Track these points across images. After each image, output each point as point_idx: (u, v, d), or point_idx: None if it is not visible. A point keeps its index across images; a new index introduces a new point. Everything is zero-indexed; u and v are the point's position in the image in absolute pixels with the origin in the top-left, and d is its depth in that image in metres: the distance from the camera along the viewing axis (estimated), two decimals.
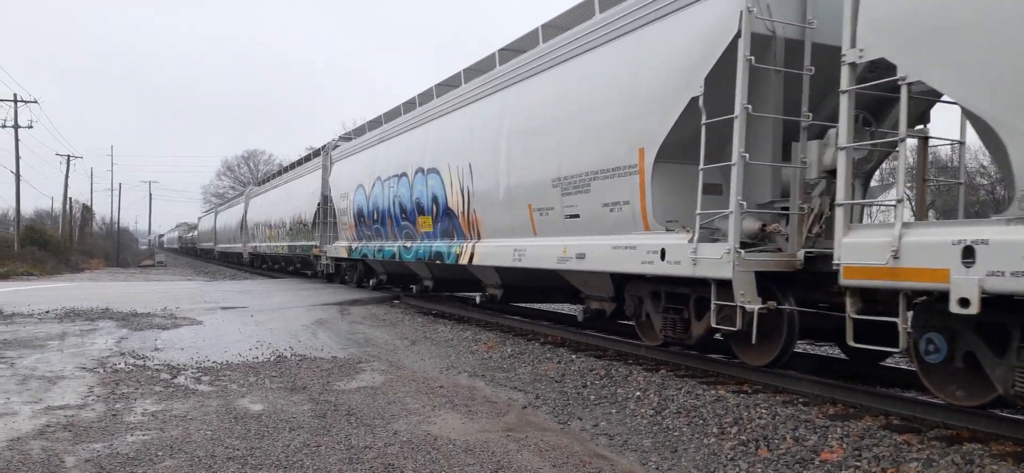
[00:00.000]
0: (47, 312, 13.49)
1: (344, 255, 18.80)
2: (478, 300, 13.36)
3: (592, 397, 7.00)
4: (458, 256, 11.91)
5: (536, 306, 14.05)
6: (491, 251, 11.04)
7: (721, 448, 5.31)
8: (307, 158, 25.97)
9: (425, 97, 13.91)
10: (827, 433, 5.32)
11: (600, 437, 5.75)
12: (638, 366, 8.07)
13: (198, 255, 67.99)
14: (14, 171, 40.58)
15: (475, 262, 11.43)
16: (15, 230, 41.18)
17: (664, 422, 6.06)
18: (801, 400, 6.28)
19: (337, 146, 20.59)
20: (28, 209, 61.48)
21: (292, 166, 28.73)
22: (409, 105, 14.69)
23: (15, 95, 41.39)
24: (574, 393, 7.20)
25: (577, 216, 8.85)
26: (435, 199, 12.76)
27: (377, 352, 9.57)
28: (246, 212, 36.76)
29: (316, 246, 22.11)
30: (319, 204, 21.75)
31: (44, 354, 8.93)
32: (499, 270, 11.36)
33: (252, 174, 77.07)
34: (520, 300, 12.94)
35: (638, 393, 6.92)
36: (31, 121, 44.26)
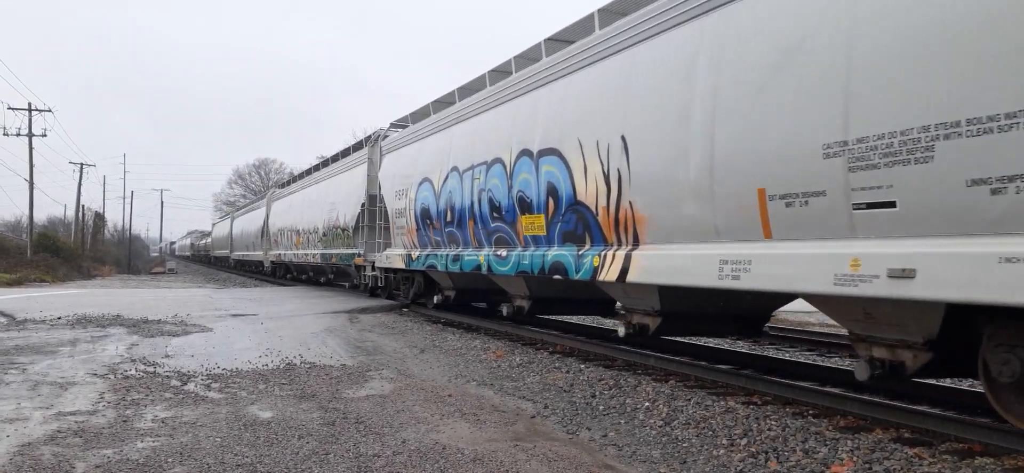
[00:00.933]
0: (59, 318, 13.58)
1: (399, 265, 15.11)
2: (504, 312, 11.76)
3: (601, 407, 6.99)
4: (596, 270, 8.24)
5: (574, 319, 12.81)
6: (666, 264, 7.30)
7: (730, 460, 5.28)
8: (345, 152, 22.20)
9: (527, 59, 10.66)
10: (838, 446, 5.28)
11: (609, 447, 5.73)
12: (647, 376, 8.04)
13: (212, 263, 65.49)
14: (28, 179, 40.94)
15: (632, 278, 7.66)
16: (28, 237, 41.49)
17: (673, 433, 6.03)
18: (811, 412, 6.24)
19: (387, 136, 17.09)
20: (41, 216, 62.03)
21: (325, 163, 24.91)
22: (499, 73, 11.52)
23: (29, 104, 41.86)
24: (583, 403, 7.18)
25: (889, 205, 5.09)
26: (552, 191, 9.21)
27: (386, 360, 9.58)
28: (268, 217, 33.61)
29: (359, 254, 18.92)
30: (363, 205, 18.75)
31: (55, 360, 8.99)
32: (672, 291, 7.77)
33: (263, 182, 77.46)
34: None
35: (647, 403, 6.90)
36: (45, 129, 44.68)
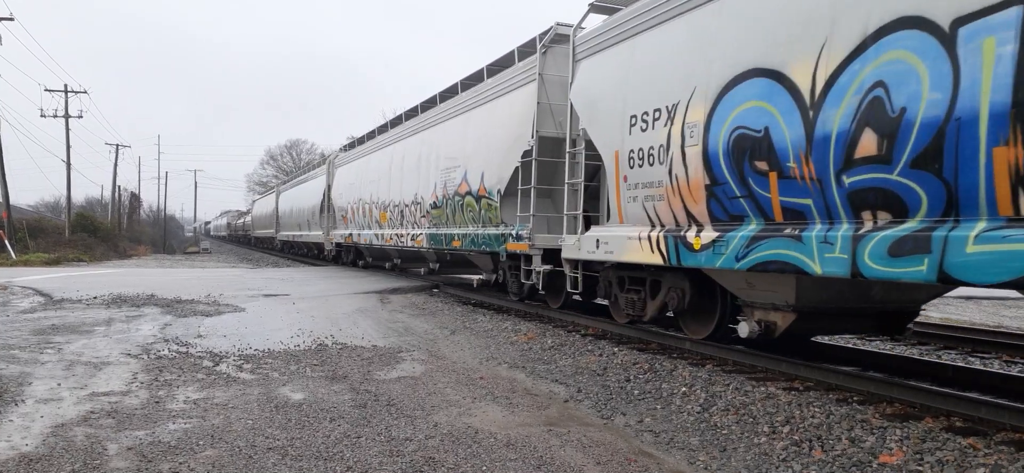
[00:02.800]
0: (95, 298, 13.74)
1: (638, 257, 8.30)
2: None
3: (636, 392, 6.83)
4: None
5: None
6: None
7: (772, 448, 5.11)
8: (477, 76, 13.94)
9: None
10: (885, 434, 5.07)
11: (645, 434, 5.58)
12: (683, 360, 7.86)
13: (252, 245, 58.75)
14: (65, 159, 41.64)
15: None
16: (66, 217, 42.28)
17: (712, 419, 5.86)
18: (856, 399, 6.02)
19: (582, 27, 9.98)
20: (78, 197, 63.24)
21: (431, 102, 16.57)
22: None
23: (65, 85, 42.50)
24: (617, 387, 7.03)
25: None
26: None
27: (417, 341, 9.51)
28: (330, 187, 26.72)
29: (512, 237, 11.65)
30: (526, 154, 11.31)
31: (90, 340, 9.05)
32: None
33: (295, 163, 78.05)
34: None
35: (684, 388, 6.73)
36: (81, 111, 45.58)
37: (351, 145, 25.10)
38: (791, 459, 4.86)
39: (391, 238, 18.68)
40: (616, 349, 8.65)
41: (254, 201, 61.71)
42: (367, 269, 23.89)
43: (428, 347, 9.11)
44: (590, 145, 9.44)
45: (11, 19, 30.51)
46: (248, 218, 61.77)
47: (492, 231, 12.47)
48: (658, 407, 6.32)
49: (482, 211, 12.89)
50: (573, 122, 9.99)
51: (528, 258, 11.41)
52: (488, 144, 12.81)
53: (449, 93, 15.42)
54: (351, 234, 23.19)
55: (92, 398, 6.10)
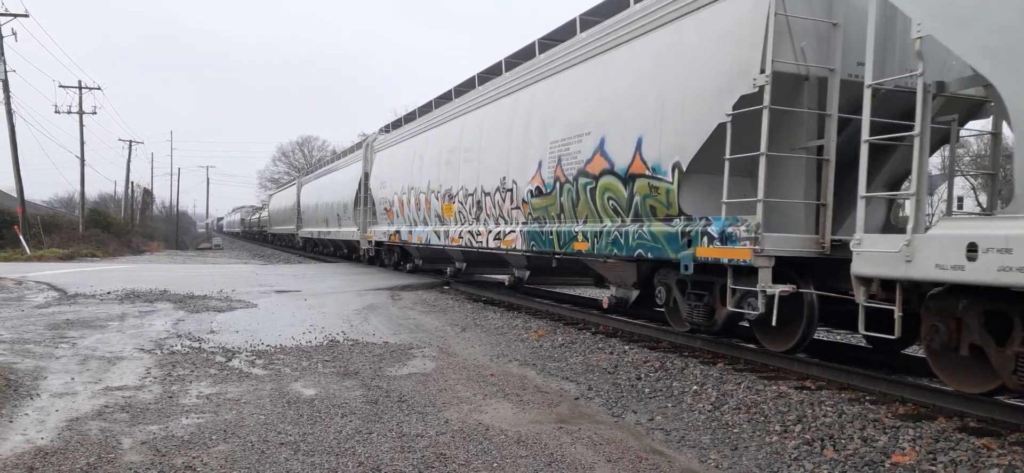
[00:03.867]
0: (108, 293, 13.84)
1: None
2: None
3: (647, 390, 6.82)
4: None
5: None
6: None
7: (784, 447, 5.09)
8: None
9: None
10: (898, 434, 5.05)
11: (656, 432, 5.58)
12: (694, 359, 7.85)
13: (269, 242, 54.44)
14: (79, 156, 41.96)
15: None
16: (80, 213, 42.59)
17: (723, 418, 5.85)
18: (868, 398, 5.99)
19: None
20: (92, 192, 63.82)
21: (525, 54, 12.34)
22: None
23: (79, 82, 42.87)
24: (628, 385, 7.03)
25: None
26: None
27: (428, 338, 9.53)
28: (366, 176, 22.31)
29: (705, 238, 7.45)
30: (744, 102, 6.93)
31: (104, 334, 9.13)
32: None
33: (306, 159, 78.37)
34: None
35: (695, 387, 6.72)
36: (95, 107, 45.88)
37: (396, 123, 20.81)
38: (803, 458, 4.85)
39: (460, 237, 14.54)
40: (627, 347, 8.64)
41: (271, 195, 56.82)
42: (383, 268, 21.40)
43: (439, 344, 9.13)
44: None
45: (26, 16, 30.74)
46: (265, 213, 57.19)
47: (658, 228, 8.33)
48: (669, 405, 6.31)
49: (636, 197, 8.76)
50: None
51: (741, 270, 7.19)
52: (656, 93, 8.42)
53: (560, 35, 11.26)
54: (398, 231, 18.89)
55: (106, 392, 6.15)
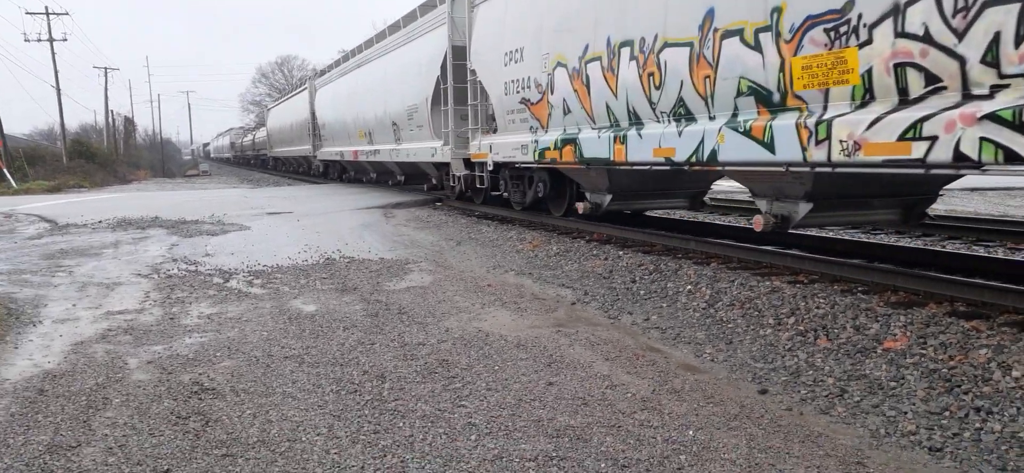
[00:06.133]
0: (99, 222, 13.79)
1: None
2: None
3: (642, 292, 6.92)
4: None
5: None
6: None
7: (778, 339, 5.21)
8: None
9: None
10: (890, 321, 5.17)
11: (652, 331, 5.69)
12: (688, 260, 7.94)
13: (270, 168, 45.66)
14: (54, 85, 41.11)
15: None
16: (62, 144, 42.02)
17: (717, 315, 5.96)
18: (861, 289, 6.10)
19: None
20: (73, 123, 62.82)
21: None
22: None
23: (46, 7, 41.61)
24: (623, 289, 7.12)
25: None
26: None
27: (424, 253, 9.59)
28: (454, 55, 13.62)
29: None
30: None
31: (100, 262, 9.13)
32: None
33: (287, 80, 76.92)
34: None
35: (689, 287, 6.82)
36: (65, 34, 44.69)
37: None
38: (797, 348, 4.97)
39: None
40: (621, 252, 8.73)
41: (268, 110, 44.29)
42: (367, 185, 23.93)
43: (435, 258, 9.19)
44: None
45: None
46: (261, 133, 46.83)
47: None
48: (664, 305, 6.42)
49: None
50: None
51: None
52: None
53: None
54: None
55: (108, 317, 6.20)
